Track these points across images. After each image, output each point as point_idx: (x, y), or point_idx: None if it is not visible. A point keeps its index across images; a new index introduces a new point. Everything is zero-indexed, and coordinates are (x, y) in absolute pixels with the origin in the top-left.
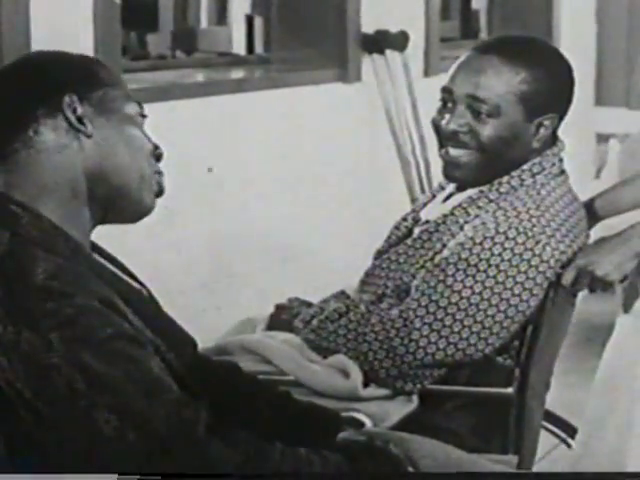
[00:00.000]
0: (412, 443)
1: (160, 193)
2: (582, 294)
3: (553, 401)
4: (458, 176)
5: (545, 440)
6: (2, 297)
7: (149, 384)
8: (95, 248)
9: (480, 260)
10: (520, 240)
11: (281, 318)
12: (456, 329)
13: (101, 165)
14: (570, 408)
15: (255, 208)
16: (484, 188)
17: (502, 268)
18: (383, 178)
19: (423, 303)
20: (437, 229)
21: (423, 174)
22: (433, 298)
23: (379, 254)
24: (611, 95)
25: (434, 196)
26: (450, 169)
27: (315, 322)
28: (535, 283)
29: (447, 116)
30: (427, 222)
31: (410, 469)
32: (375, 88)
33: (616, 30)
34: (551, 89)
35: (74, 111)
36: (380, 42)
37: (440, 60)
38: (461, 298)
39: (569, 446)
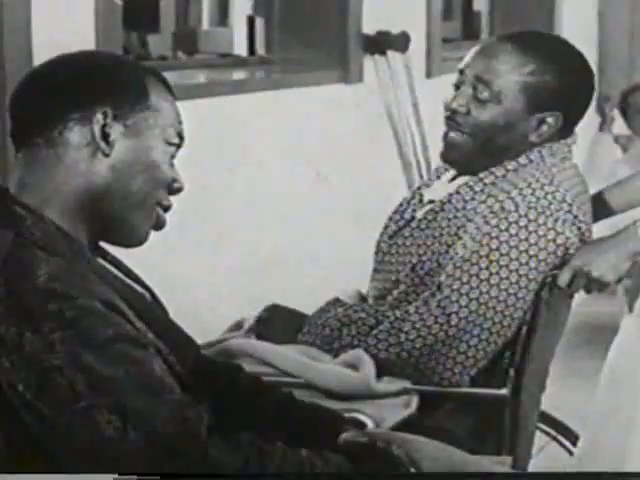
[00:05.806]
0: (414, 444)
1: (158, 227)
2: (585, 296)
3: (555, 403)
4: (452, 158)
5: (538, 438)
6: (4, 298)
7: (151, 385)
8: (99, 251)
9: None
10: (532, 217)
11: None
12: (497, 319)
13: (108, 185)
14: (573, 410)
15: (255, 208)
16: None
17: (522, 248)
18: (384, 179)
19: (454, 298)
20: (443, 208)
21: (425, 175)
22: (463, 291)
23: (384, 241)
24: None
25: (429, 182)
26: (447, 151)
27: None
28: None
29: (454, 95)
30: (432, 202)
31: (412, 470)
32: (377, 89)
33: (618, 31)
34: (560, 87)
35: (103, 127)
36: (382, 43)
37: (442, 61)
38: (495, 288)
39: (571, 453)
